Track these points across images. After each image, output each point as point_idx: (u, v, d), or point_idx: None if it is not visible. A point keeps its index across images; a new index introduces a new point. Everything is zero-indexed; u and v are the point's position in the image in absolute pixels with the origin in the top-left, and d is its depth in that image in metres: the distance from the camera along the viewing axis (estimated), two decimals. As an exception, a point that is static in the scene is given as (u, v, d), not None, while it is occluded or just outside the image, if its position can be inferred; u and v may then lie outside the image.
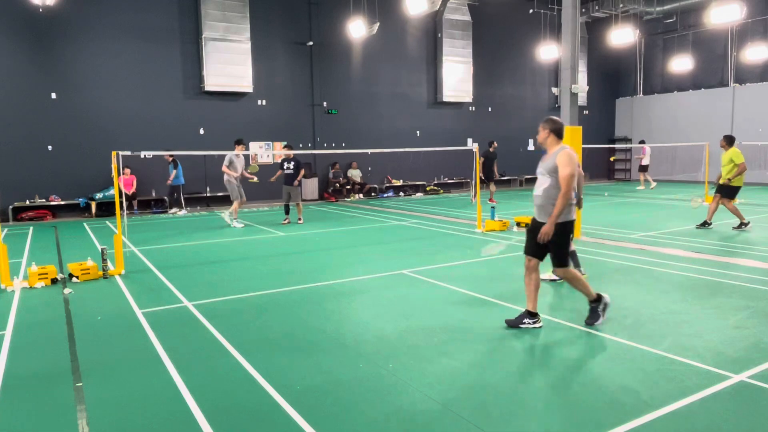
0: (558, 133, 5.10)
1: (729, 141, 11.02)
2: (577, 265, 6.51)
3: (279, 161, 13.32)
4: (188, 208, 16.67)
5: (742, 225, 10.91)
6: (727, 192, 10.98)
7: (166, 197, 16.72)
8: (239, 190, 13.05)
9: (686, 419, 3.43)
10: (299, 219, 13.15)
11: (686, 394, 3.74)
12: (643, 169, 21.26)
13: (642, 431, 3.30)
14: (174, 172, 16.08)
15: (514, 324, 5.19)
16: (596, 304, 5.19)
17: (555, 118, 5.20)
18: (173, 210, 16.26)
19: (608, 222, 12.02)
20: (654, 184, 21.28)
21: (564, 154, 4.92)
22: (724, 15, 17.92)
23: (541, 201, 5.07)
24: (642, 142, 21.86)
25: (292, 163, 12.90)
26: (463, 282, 6.98)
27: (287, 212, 13.16)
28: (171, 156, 16.05)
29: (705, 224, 11.12)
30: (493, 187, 17.05)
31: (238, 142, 13.21)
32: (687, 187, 21.19)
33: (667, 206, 15.37)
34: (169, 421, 3.56)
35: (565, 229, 5.00)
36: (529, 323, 5.16)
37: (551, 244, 5.00)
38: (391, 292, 6.63)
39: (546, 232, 4.89)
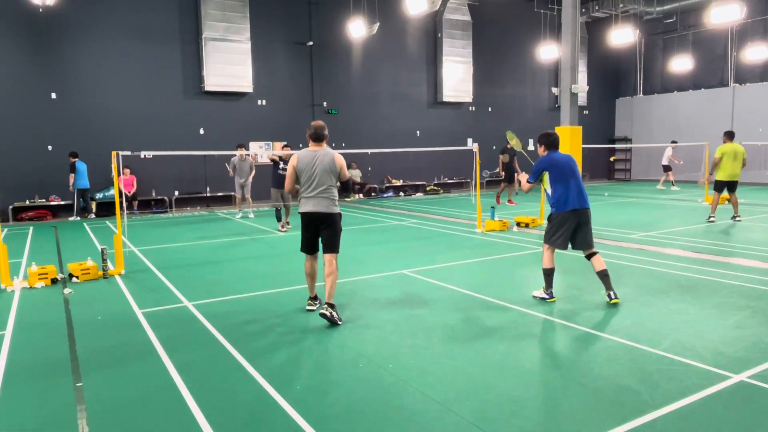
0: (309, 137, 5.70)
1: (726, 135, 11.63)
2: (608, 288, 5.97)
3: (273, 160, 12.06)
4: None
5: (711, 218, 11.62)
6: (715, 185, 11.68)
7: (74, 202, 15.21)
8: (242, 190, 14.11)
9: (686, 419, 3.43)
10: (288, 223, 11.95)
11: (686, 394, 3.74)
12: (666, 168, 20.60)
13: (642, 431, 3.30)
14: (72, 176, 14.80)
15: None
16: (309, 299, 5.98)
17: (312, 123, 5.76)
18: (74, 217, 15.01)
19: (608, 222, 12.01)
20: (661, 186, 21.08)
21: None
22: (724, 15, 17.92)
23: None
24: (674, 141, 21.01)
25: None
26: (464, 282, 6.98)
27: (279, 218, 11.93)
28: (75, 157, 14.90)
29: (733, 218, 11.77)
30: (517, 186, 16.40)
31: (239, 146, 13.76)
32: (687, 187, 21.17)
33: (667, 206, 15.37)
34: (169, 421, 3.56)
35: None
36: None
37: None
38: (391, 292, 6.63)
39: None
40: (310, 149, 5.69)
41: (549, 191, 6.06)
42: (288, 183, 5.75)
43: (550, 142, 6.14)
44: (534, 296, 6.22)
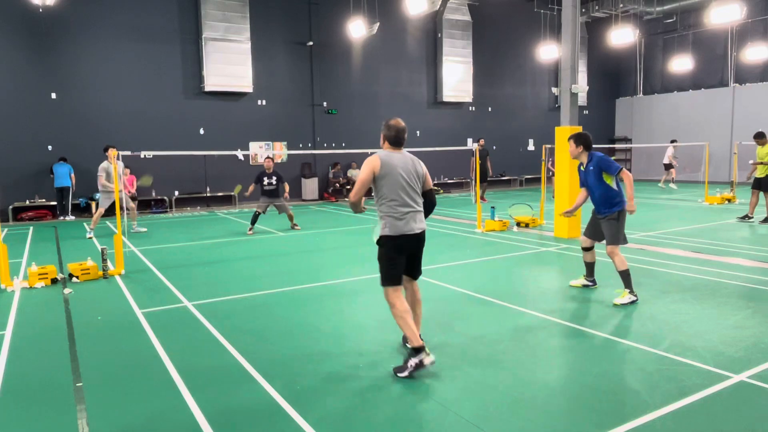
0: (387, 139, 4.43)
1: (760, 136, 11.55)
2: (590, 274, 6.52)
3: (257, 175, 11.93)
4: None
5: None
6: (766, 185, 11.48)
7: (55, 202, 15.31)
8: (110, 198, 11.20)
9: (686, 419, 3.43)
10: (296, 225, 12.11)
11: (686, 394, 3.74)
12: (668, 167, 20.23)
13: (642, 431, 3.30)
14: (52, 177, 14.88)
15: (400, 371, 4.16)
16: (415, 353, 4.12)
17: (390, 121, 4.44)
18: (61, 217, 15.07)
19: (608, 222, 11.98)
20: (662, 185, 20.92)
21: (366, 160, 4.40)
22: (724, 15, 17.91)
23: None
24: (674, 141, 20.77)
25: (274, 177, 11.71)
26: (463, 282, 6.98)
27: (255, 222, 11.68)
28: (61, 160, 15.18)
29: (746, 217, 11.67)
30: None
31: (108, 149, 11.37)
32: (687, 187, 21.16)
33: (667, 206, 15.36)
34: (168, 421, 3.57)
35: (380, 244, 4.41)
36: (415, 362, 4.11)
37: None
38: (391, 292, 6.62)
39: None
40: (393, 151, 4.42)
41: (615, 188, 6.10)
42: (360, 190, 4.41)
43: (589, 143, 6.38)
44: (617, 304, 5.82)
